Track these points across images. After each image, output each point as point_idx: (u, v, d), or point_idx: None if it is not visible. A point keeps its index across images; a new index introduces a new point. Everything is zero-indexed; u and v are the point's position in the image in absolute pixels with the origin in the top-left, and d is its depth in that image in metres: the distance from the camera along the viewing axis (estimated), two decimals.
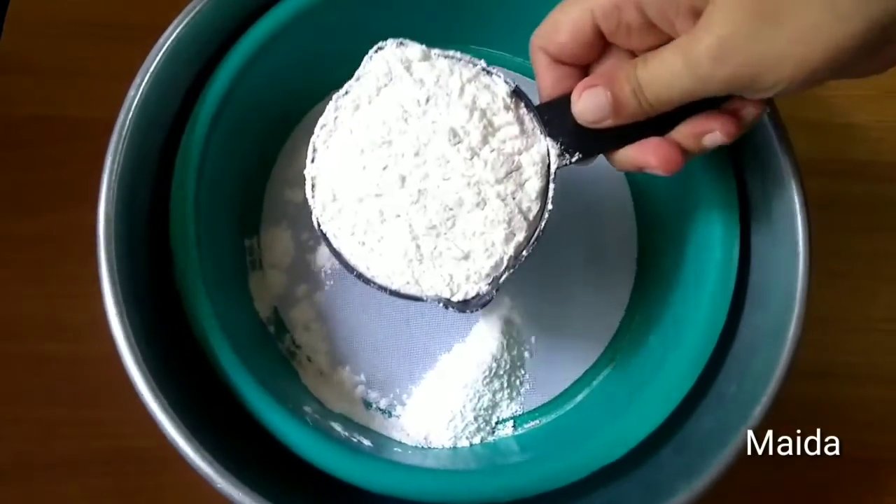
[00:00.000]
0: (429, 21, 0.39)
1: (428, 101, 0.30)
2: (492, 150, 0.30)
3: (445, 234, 0.30)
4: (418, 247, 0.30)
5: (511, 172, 0.30)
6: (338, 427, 0.36)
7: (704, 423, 0.34)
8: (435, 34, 0.33)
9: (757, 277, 0.36)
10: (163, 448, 0.29)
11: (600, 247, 0.40)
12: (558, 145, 0.30)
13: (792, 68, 0.24)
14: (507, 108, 0.30)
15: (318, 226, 0.31)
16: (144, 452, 0.39)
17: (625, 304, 0.40)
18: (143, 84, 0.33)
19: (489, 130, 0.30)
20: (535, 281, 0.39)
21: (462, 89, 0.30)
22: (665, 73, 0.26)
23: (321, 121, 0.31)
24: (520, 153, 0.30)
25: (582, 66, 0.30)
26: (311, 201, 0.31)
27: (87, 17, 0.46)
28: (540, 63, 0.30)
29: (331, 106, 0.31)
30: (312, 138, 0.31)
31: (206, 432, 0.30)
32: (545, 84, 0.30)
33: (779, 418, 0.32)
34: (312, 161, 0.31)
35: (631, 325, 0.40)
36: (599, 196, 0.41)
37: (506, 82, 0.31)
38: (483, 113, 0.30)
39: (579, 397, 0.39)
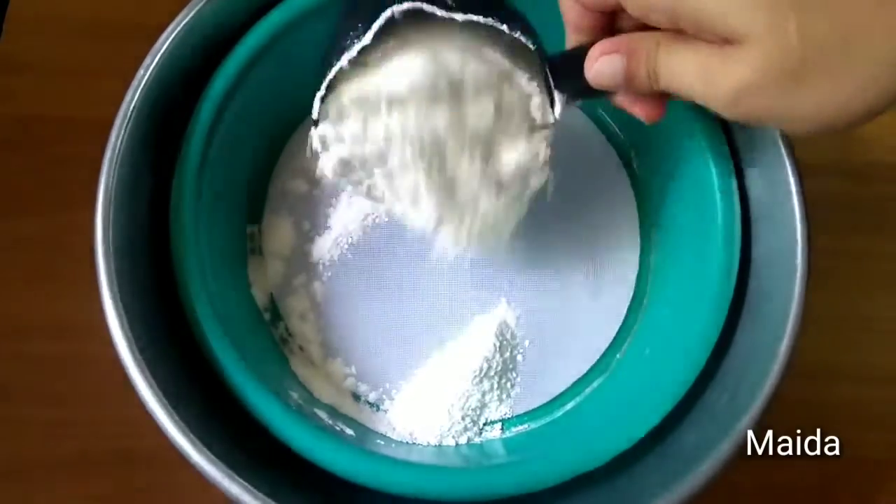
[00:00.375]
0: None
1: (449, 94, 0.30)
2: (510, 152, 0.31)
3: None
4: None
5: (525, 169, 0.31)
6: (323, 415, 0.36)
7: (691, 434, 0.34)
8: None
9: (755, 279, 0.36)
10: (163, 448, 0.29)
11: (601, 257, 0.40)
12: (565, 97, 0.31)
13: (815, 128, 0.24)
14: (527, 95, 0.31)
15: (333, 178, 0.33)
16: (144, 452, 0.39)
17: (622, 314, 0.40)
18: (149, 71, 0.33)
19: (507, 127, 0.31)
20: (533, 287, 0.40)
21: (483, 79, 0.30)
22: (683, 80, 0.26)
23: (328, 86, 0.31)
24: (534, 142, 0.31)
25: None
26: (321, 159, 0.32)
27: (87, 17, 0.46)
28: None
29: (344, 71, 0.31)
30: (315, 100, 0.31)
31: (207, 432, 0.30)
32: (569, 15, 0.30)
33: (779, 418, 0.32)
34: (316, 126, 0.32)
35: (627, 336, 0.39)
36: (603, 210, 0.41)
37: (530, 46, 0.30)
38: (500, 109, 0.30)
39: (570, 405, 0.38)
